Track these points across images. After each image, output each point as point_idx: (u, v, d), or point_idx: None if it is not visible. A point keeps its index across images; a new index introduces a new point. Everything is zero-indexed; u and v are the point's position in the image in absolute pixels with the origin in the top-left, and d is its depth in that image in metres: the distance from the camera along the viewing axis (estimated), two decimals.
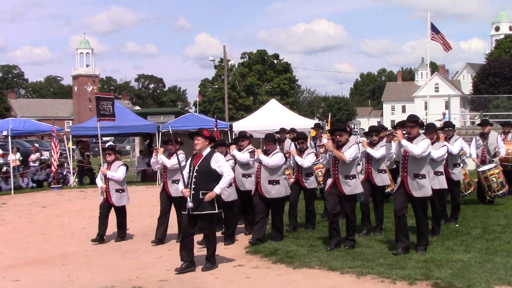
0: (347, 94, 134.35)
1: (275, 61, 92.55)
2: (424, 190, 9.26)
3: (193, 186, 8.98)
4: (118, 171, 11.64)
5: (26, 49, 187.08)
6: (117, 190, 11.66)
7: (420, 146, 9.15)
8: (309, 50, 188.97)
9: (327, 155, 10.12)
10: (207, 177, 8.97)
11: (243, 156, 11.34)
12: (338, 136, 9.90)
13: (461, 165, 13.04)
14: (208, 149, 9.19)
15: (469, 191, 14.19)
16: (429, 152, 9.34)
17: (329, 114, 24.71)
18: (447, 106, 41.11)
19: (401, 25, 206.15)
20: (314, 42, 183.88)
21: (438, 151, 10.48)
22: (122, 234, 11.83)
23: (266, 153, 10.72)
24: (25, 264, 9.94)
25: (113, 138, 43.00)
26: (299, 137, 12.32)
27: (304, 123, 26.05)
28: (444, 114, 38.55)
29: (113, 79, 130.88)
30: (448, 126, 12.65)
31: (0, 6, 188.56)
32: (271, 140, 10.87)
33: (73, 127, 29.23)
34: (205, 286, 8.22)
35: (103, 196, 11.69)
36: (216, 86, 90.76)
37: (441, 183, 10.70)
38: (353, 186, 9.89)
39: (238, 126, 25.00)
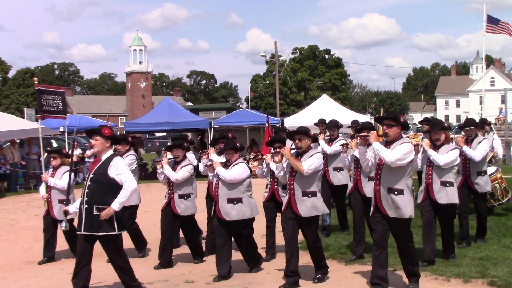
0: (399, 89, 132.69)
1: (327, 56, 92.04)
2: (400, 211, 7.13)
3: (86, 198, 7.24)
4: (62, 179, 9.75)
5: (82, 47, 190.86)
6: (60, 201, 9.74)
7: (395, 151, 7.09)
8: (361, 45, 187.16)
9: (284, 165, 8.09)
10: (104, 188, 7.24)
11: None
12: (297, 141, 7.85)
13: (494, 170, 11.71)
14: (109, 153, 7.45)
15: (507, 199, 11.99)
16: (410, 161, 7.15)
17: (381, 109, 24.46)
18: (503, 101, 40.02)
19: (455, 18, 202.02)
20: (365, 37, 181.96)
21: (445, 157, 8.50)
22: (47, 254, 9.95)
23: (226, 164, 8.65)
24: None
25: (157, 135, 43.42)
26: (275, 140, 9.05)
27: (356, 118, 25.89)
28: (501, 109, 37.67)
29: (166, 75, 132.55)
30: (468, 125, 10.03)
31: (58, 6, 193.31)
32: (231, 148, 8.64)
33: (126, 123, 29.76)
34: (256, 281, 8.25)
35: (45, 207, 9.95)
36: (267, 82, 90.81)
37: (450, 196, 8.52)
38: (311, 206, 7.76)
39: (290, 121, 25.01)
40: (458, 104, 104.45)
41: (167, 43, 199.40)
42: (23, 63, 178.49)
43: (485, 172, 9.87)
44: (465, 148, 9.61)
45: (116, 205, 7.15)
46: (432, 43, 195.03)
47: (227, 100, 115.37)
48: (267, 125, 19.06)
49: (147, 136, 34.61)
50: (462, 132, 10.59)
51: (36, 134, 23.95)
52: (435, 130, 8.77)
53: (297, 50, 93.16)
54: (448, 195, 8.54)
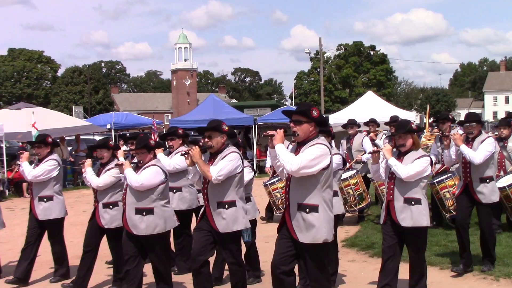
0: (446, 85, 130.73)
1: (372, 53, 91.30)
2: (310, 234, 5.67)
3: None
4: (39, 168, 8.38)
5: (128, 45, 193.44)
6: (41, 198, 8.45)
7: (299, 156, 5.62)
8: (407, 41, 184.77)
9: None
10: None
11: (170, 161, 8.49)
12: (206, 139, 6.55)
13: (445, 177, 10.20)
14: None
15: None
16: (323, 168, 5.63)
17: (428, 106, 24.16)
18: None
19: (505, 12, 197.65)
20: (412, 33, 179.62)
21: (409, 167, 6.57)
22: (59, 270, 8.69)
23: (137, 166, 7.29)
24: None
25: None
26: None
27: (402, 115, 25.57)
28: None
29: (210, 73, 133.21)
30: (469, 121, 8.18)
31: (105, 6, 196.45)
32: (143, 146, 7.17)
33: (172, 120, 30.09)
34: None
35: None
36: (312, 79, 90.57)
37: (415, 217, 6.56)
38: (229, 220, 6.46)
39: (334, 118, 24.90)
40: (507, 100, 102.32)
41: (212, 40, 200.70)
42: (72, 62, 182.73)
43: (491, 179, 7.99)
44: (463, 148, 7.93)
45: None
46: (480, 38, 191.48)
47: (271, 97, 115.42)
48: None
49: (192, 133, 34.75)
50: (459, 130, 10.05)
51: (84, 131, 24.53)
52: (399, 133, 6.78)
53: (342, 47, 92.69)
54: (413, 216, 6.55)
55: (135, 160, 7.77)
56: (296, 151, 5.73)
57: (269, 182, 12.30)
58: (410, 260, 6.73)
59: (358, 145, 12.71)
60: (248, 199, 7.79)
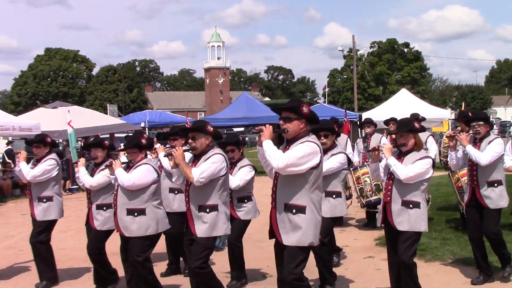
0: (481, 82, 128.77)
1: (405, 50, 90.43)
2: (295, 235, 5.41)
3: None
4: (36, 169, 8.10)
5: (162, 44, 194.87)
6: (40, 199, 8.16)
7: (287, 153, 5.33)
8: (442, 38, 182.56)
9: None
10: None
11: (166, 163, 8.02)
12: (190, 140, 6.34)
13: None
14: None
15: (376, 197, 10.49)
16: (313, 167, 5.34)
17: (463, 103, 23.87)
18: None
19: None
20: (447, 29, 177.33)
21: (409, 168, 6.24)
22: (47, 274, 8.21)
23: (128, 165, 7.08)
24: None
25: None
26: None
27: (436, 113, 25.37)
28: None
29: (243, 71, 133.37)
30: (475, 119, 7.67)
31: (139, 5, 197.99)
32: (133, 145, 6.99)
33: (205, 118, 30.21)
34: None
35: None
36: (345, 76, 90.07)
37: (413, 221, 6.25)
38: (210, 224, 6.21)
39: (368, 116, 24.72)
40: None
41: (245, 38, 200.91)
42: (107, 61, 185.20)
43: (499, 183, 7.46)
44: (469, 148, 7.44)
45: None
46: None
47: (304, 95, 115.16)
48: (345, 120, 18.95)
49: (225, 132, 34.99)
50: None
51: (118, 129, 24.80)
52: (401, 132, 6.46)
53: (375, 44, 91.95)
54: (410, 220, 6.22)
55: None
56: (285, 148, 5.49)
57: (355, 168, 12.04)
58: (398, 265, 6.34)
59: (375, 144, 12.12)
60: (249, 199, 7.82)
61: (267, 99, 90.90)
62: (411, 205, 6.25)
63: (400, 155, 6.46)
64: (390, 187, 6.42)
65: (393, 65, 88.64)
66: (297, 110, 5.47)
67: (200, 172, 6.06)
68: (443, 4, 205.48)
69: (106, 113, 39.69)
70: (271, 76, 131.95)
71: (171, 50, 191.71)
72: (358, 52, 75.49)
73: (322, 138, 7.20)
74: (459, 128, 9.73)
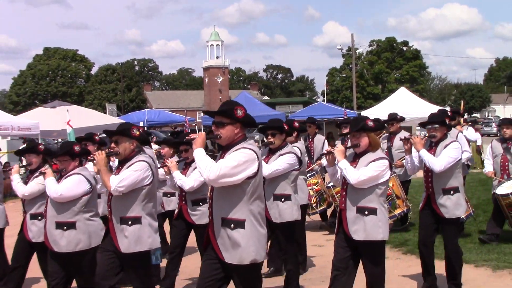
0: (480, 80, 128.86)
1: (404, 48, 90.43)
2: (237, 254, 4.87)
3: None
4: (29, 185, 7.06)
5: (161, 43, 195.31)
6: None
7: (218, 164, 4.84)
8: (441, 36, 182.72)
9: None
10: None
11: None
12: (113, 144, 5.87)
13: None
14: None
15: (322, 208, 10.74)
16: (250, 177, 4.82)
17: (462, 102, 23.90)
18: None
19: None
20: (445, 28, 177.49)
21: (361, 172, 5.78)
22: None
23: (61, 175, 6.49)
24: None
25: None
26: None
27: (434, 111, 25.33)
28: None
29: (242, 70, 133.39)
30: (431, 122, 7.13)
31: (138, 4, 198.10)
32: (65, 153, 6.37)
33: (204, 117, 30.21)
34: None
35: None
36: (344, 75, 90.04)
37: (369, 230, 5.77)
38: (132, 238, 5.70)
39: (367, 115, 24.74)
40: None
41: (244, 37, 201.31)
42: (106, 60, 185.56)
43: (456, 190, 6.85)
44: (423, 153, 6.89)
45: None
46: None
47: (303, 94, 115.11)
48: (345, 118, 18.95)
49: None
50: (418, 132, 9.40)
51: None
52: (353, 131, 5.92)
53: (374, 43, 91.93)
54: (366, 228, 5.75)
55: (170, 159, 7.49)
56: (220, 157, 4.99)
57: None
58: (366, 277, 5.93)
59: (401, 144, 10.01)
60: (204, 201, 7.25)
61: (266, 98, 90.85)
62: (366, 212, 5.74)
63: (355, 157, 5.96)
64: (344, 193, 5.95)
65: (392, 63, 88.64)
66: (230, 113, 4.92)
67: (119, 181, 5.54)
68: (442, 3, 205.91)
69: (105, 113, 39.61)
70: (270, 75, 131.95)
71: (170, 49, 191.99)
72: (357, 51, 75.40)
73: (269, 137, 6.93)
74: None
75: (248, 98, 28.23)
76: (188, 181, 7.13)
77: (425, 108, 23.34)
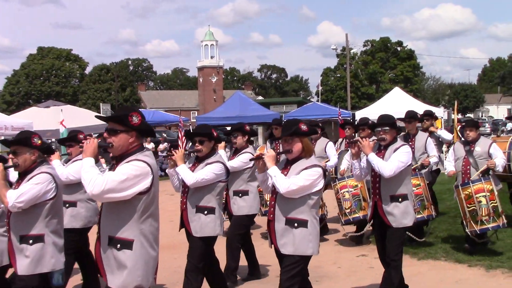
0: (474, 80, 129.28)
1: (399, 49, 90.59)
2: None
3: None
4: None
5: (155, 43, 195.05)
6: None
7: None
8: (435, 36, 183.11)
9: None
10: None
11: (63, 171, 7.06)
12: (11, 155, 5.32)
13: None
14: None
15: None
16: (317, 190, 5.29)
17: (456, 102, 23.96)
18: None
19: None
20: (440, 28, 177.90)
21: (292, 181, 5.31)
22: None
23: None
24: None
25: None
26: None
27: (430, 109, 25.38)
28: None
29: (237, 69, 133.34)
30: (380, 124, 6.69)
31: (133, 3, 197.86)
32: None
33: (198, 117, 30.26)
34: (328, 275, 8.25)
35: None
36: (338, 75, 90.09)
37: (298, 243, 5.34)
38: (32, 259, 5.13)
39: (361, 115, 24.77)
40: None
41: (238, 37, 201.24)
42: (100, 60, 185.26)
43: (404, 197, 6.42)
44: (372, 157, 6.44)
45: None
46: (510, 33, 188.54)
47: (297, 94, 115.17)
48: (339, 118, 19.00)
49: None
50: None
51: None
52: (285, 136, 5.45)
53: (369, 43, 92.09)
54: (295, 242, 5.30)
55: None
56: (113, 168, 4.53)
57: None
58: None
59: (422, 146, 9.66)
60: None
61: (260, 98, 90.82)
62: (296, 224, 5.28)
63: (287, 164, 5.52)
64: (273, 203, 5.47)
65: (386, 63, 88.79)
66: (124, 120, 4.44)
67: (17, 196, 4.94)
68: (436, 3, 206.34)
69: (99, 112, 39.55)
70: (265, 75, 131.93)
71: (164, 49, 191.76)
72: (352, 51, 75.53)
73: (197, 144, 6.38)
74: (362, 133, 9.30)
75: (242, 98, 28.17)
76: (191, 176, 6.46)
77: (419, 108, 23.26)
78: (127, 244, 4.35)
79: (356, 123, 10.56)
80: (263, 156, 5.49)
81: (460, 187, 8.62)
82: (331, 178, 10.46)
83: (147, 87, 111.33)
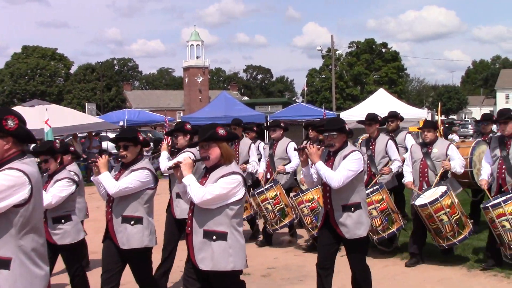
0: (457, 82, 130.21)
1: (383, 50, 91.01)
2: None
3: None
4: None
5: (141, 42, 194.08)
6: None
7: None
8: (419, 38, 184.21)
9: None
10: None
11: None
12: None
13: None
14: None
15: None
16: (237, 200, 4.96)
17: (439, 103, 24.10)
18: None
19: None
20: (424, 30, 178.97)
21: (207, 190, 4.94)
22: None
23: None
24: None
25: None
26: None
27: (413, 113, 25.61)
28: None
29: (222, 70, 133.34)
30: (328, 129, 6.15)
31: (118, 3, 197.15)
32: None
33: (184, 117, 30.25)
34: (311, 274, 8.29)
35: None
36: (324, 76, 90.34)
37: (217, 259, 4.95)
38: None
39: (346, 116, 24.93)
40: None
41: (224, 37, 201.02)
42: (85, 59, 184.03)
43: (357, 206, 6.06)
44: (319, 165, 6.01)
45: None
46: (493, 36, 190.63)
47: (283, 95, 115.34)
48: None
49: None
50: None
51: (96, 128, 24.67)
52: (201, 142, 5.10)
53: (354, 44, 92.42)
54: (214, 256, 4.92)
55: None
56: None
57: (258, 191, 9.84)
58: None
59: (382, 149, 9.56)
60: (67, 218, 6.67)
61: (246, 98, 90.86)
62: (214, 237, 4.89)
63: (206, 172, 5.18)
64: (190, 214, 5.09)
65: (371, 65, 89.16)
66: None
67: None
68: (421, 5, 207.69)
69: (84, 112, 39.38)
70: (250, 76, 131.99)
71: (150, 48, 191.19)
72: (337, 52, 75.84)
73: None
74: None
75: (228, 99, 28.25)
76: (46, 196, 6.26)
77: (403, 110, 23.45)
78: (3, 264, 3.75)
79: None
80: (180, 165, 5.05)
81: (419, 208, 8.06)
82: (294, 181, 10.40)
83: (132, 86, 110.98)
